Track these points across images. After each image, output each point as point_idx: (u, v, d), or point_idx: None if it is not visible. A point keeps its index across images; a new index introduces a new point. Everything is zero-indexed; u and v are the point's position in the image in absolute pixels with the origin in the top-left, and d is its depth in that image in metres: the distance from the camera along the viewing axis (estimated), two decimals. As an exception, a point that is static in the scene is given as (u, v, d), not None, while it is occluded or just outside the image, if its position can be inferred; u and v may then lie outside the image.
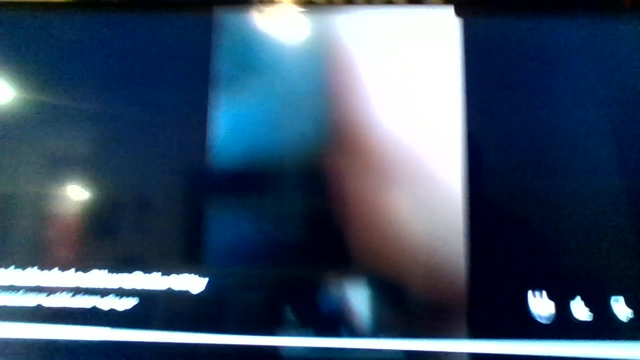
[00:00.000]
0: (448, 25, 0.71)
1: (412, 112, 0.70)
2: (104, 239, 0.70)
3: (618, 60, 0.70)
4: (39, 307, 0.67)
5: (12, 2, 0.77)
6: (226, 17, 0.74)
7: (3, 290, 0.68)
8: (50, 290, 0.68)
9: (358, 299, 0.66)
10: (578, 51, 0.70)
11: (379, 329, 0.65)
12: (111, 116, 0.72)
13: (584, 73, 0.70)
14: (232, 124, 0.71)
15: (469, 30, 0.71)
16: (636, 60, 0.70)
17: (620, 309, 0.63)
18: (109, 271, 0.68)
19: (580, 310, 0.63)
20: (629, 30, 0.71)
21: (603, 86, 0.69)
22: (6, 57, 0.75)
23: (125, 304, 0.67)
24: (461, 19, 0.71)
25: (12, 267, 0.68)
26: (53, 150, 0.73)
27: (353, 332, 0.65)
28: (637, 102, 0.69)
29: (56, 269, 0.68)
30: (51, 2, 0.85)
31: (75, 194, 0.71)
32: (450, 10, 0.72)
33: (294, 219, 0.69)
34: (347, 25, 0.73)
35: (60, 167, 0.72)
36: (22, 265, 0.69)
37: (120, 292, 0.67)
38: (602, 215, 0.66)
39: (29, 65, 0.74)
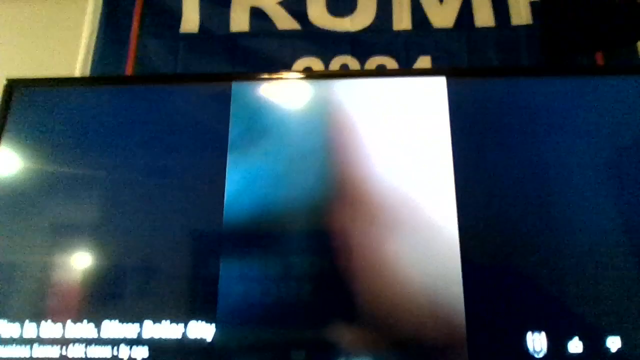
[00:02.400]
0: (437, 91, 0.78)
1: (408, 167, 0.75)
2: (122, 297, 0.73)
3: (598, 115, 0.76)
4: (53, 358, 0.69)
5: (35, 80, 0.84)
6: (239, 89, 0.80)
7: (19, 344, 0.70)
8: (66, 342, 0.70)
9: (363, 344, 0.68)
10: (558, 109, 0.77)
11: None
12: (131, 181, 0.77)
13: (565, 127, 0.76)
14: (244, 184, 0.75)
15: (456, 94, 0.78)
16: (614, 115, 0.76)
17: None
18: (119, 321, 0.70)
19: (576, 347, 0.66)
20: (605, 87, 0.78)
21: (583, 137, 0.75)
22: (32, 131, 0.81)
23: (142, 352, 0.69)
24: (449, 85, 0.78)
25: (27, 321, 0.71)
26: (79, 211, 0.77)
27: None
28: (615, 148, 0.74)
29: (69, 321, 0.70)
30: (70, 78, 0.92)
31: (95, 253, 0.75)
32: (439, 78, 0.79)
33: (301, 275, 0.72)
34: (346, 92, 0.80)
35: (84, 227, 0.76)
36: (37, 319, 0.71)
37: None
38: (599, 258, 0.69)
39: (51, 138, 0.80)
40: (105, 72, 1.00)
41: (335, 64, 1.00)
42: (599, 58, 0.96)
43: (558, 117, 0.77)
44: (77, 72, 0.99)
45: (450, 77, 0.79)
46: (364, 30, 1.03)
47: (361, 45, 1.01)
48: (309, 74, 0.86)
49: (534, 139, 0.76)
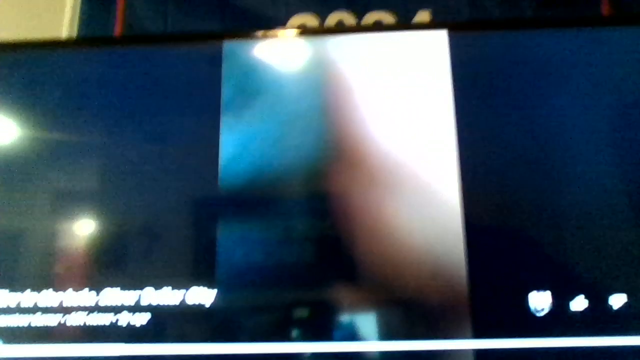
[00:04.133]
0: (438, 46, 0.76)
1: (408, 126, 0.73)
2: (122, 261, 0.72)
3: (606, 69, 0.74)
4: (55, 327, 0.69)
5: (19, 43, 0.80)
6: (232, 48, 0.78)
7: (20, 313, 0.69)
8: (66, 311, 0.69)
9: (366, 305, 0.68)
10: (563, 63, 0.75)
11: (386, 333, 0.67)
12: (125, 145, 0.76)
13: (572, 83, 0.74)
14: (240, 147, 0.74)
15: (459, 49, 0.75)
16: (623, 68, 0.74)
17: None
18: (121, 288, 0.70)
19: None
20: (612, 39, 0.75)
21: (589, 93, 0.73)
22: (19, 97, 0.78)
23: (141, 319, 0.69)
24: (451, 39, 0.75)
25: (28, 290, 0.70)
26: (75, 177, 0.75)
27: (362, 336, 0.67)
28: (622, 106, 0.73)
29: (71, 289, 0.70)
30: (59, 41, 0.89)
31: (92, 220, 0.74)
32: (440, 32, 0.76)
33: (300, 237, 0.71)
34: (343, 48, 0.77)
35: (80, 193, 0.75)
36: (38, 288, 0.70)
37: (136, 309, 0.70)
38: (603, 216, 0.68)
39: (39, 103, 0.78)
40: (93, 34, 0.97)
41: (332, 20, 0.97)
42: (605, 8, 0.93)
43: (564, 72, 0.74)
44: (63, 34, 0.96)
45: (452, 30, 0.76)
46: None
47: (358, 1, 0.98)
48: (304, 30, 0.83)
49: (539, 95, 0.73)
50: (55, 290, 0.70)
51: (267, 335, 0.68)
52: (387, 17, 0.97)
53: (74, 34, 0.97)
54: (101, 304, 0.69)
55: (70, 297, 0.70)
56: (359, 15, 0.98)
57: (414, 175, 0.71)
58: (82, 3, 0.99)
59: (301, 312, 0.69)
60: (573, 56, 0.75)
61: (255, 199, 0.73)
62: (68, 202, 0.75)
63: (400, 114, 0.74)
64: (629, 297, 0.65)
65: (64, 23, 0.98)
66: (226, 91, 0.76)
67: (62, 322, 0.69)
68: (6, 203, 0.74)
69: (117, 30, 0.97)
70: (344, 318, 0.68)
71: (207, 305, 0.68)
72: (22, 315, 0.70)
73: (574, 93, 0.73)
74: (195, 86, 0.77)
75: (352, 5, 0.98)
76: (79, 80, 0.79)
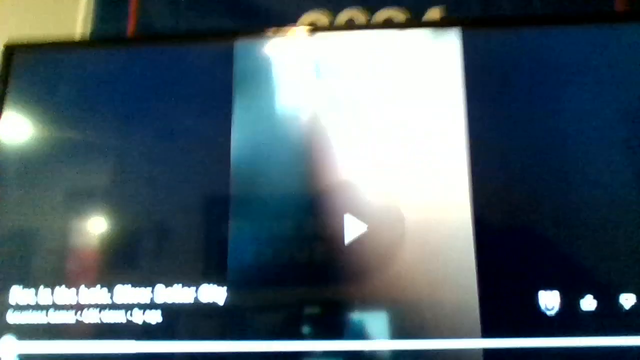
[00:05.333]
0: (451, 43, 0.75)
1: (419, 123, 0.73)
2: (134, 259, 0.73)
3: (618, 65, 0.73)
4: (68, 324, 0.70)
5: (33, 43, 0.82)
6: (243, 47, 0.78)
7: (33, 309, 0.71)
8: (79, 308, 0.71)
9: (375, 304, 0.69)
10: (577, 60, 0.74)
11: (395, 332, 0.67)
12: (137, 144, 0.77)
13: (585, 81, 0.73)
14: (250, 145, 0.74)
15: (472, 46, 0.75)
16: (635, 64, 0.73)
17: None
18: (132, 285, 0.71)
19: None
20: (623, 34, 0.74)
21: (604, 92, 0.72)
22: (33, 95, 0.79)
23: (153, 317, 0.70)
24: (464, 36, 0.75)
25: (41, 286, 0.72)
26: (89, 176, 0.77)
27: (371, 335, 0.67)
28: (636, 103, 0.72)
29: (83, 286, 0.71)
30: (74, 41, 0.91)
31: (105, 218, 0.75)
32: (452, 30, 0.76)
33: (310, 234, 0.72)
34: (355, 45, 0.77)
35: (94, 191, 0.76)
36: (51, 285, 0.72)
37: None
38: (612, 215, 0.68)
39: (53, 102, 0.79)
40: (106, 33, 0.98)
41: (343, 17, 0.97)
42: (619, 3, 0.92)
43: (578, 69, 0.73)
44: (77, 32, 0.97)
45: (465, 28, 0.76)
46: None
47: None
48: (315, 28, 0.83)
49: (552, 92, 0.73)
50: (68, 287, 0.72)
51: (278, 333, 0.68)
52: (399, 15, 0.96)
53: (88, 32, 0.98)
54: (113, 301, 0.71)
55: (83, 294, 0.71)
56: (371, 11, 0.97)
57: (423, 173, 0.71)
58: (96, 2, 1.00)
59: (312, 310, 0.69)
60: (587, 53, 0.74)
61: (265, 197, 0.73)
62: (82, 200, 0.76)
63: (411, 110, 0.74)
64: (638, 298, 0.65)
65: (77, 21, 0.99)
66: (237, 89, 0.76)
67: (75, 319, 0.70)
68: (22, 201, 0.76)
69: (130, 28, 0.98)
70: (354, 317, 0.68)
71: (219, 303, 0.69)
72: (35, 312, 0.71)
73: (588, 91, 0.73)
74: (207, 84, 0.78)
75: (363, 2, 0.98)
76: (92, 79, 0.80)
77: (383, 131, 0.74)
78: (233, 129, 0.75)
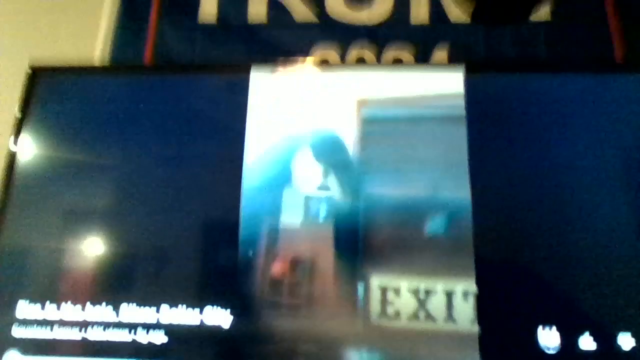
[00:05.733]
0: (454, 84, 0.78)
1: (422, 160, 0.76)
2: (140, 283, 0.74)
3: (616, 111, 0.76)
4: (71, 340, 0.71)
5: (57, 67, 0.85)
6: (257, 77, 0.81)
7: (38, 325, 0.72)
8: (85, 325, 0.72)
9: (374, 339, 0.70)
10: (577, 105, 0.77)
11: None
12: (151, 170, 0.79)
13: (585, 126, 0.76)
14: (262, 171, 0.77)
15: (474, 88, 0.78)
16: (633, 111, 0.76)
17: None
18: (137, 304, 0.72)
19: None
20: (623, 84, 0.77)
21: (603, 137, 0.75)
22: (52, 118, 0.82)
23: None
24: (467, 78, 0.78)
25: (47, 302, 0.73)
26: (101, 198, 0.78)
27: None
28: (633, 149, 0.74)
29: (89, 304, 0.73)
30: (92, 67, 0.93)
31: (114, 239, 0.76)
32: (456, 71, 0.79)
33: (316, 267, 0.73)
34: (363, 82, 0.81)
35: (105, 213, 0.78)
36: (57, 302, 0.73)
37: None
38: (611, 255, 0.69)
39: (72, 126, 0.82)
40: (124, 60, 1.01)
41: (353, 52, 1.00)
42: (618, 51, 0.95)
43: (577, 114, 0.76)
44: (96, 58, 1.00)
45: (468, 70, 0.79)
46: (380, 24, 1.02)
47: (378, 36, 1.01)
48: (327, 66, 0.86)
49: (552, 136, 0.75)
50: (74, 304, 0.73)
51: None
52: (405, 54, 0.99)
53: (106, 56, 1.01)
54: (118, 320, 0.72)
55: (88, 312, 0.72)
56: (379, 47, 1.00)
57: (425, 210, 0.73)
58: (116, 29, 1.03)
59: (308, 346, 0.70)
60: (586, 99, 0.77)
61: (274, 226, 0.75)
62: (93, 219, 0.78)
63: (415, 147, 0.76)
64: (637, 341, 0.66)
65: (96, 47, 1.01)
66: (251, 120, 0.79)
67: (79, 336, 0.71)
68: (34, 218, 0.77)
69: (147, 56, 1.01)
70: (354, 353, 0.69)
71: (223, 327, 0.70)
72: (39, 327, 0.72)
73: (587, 135, 0.75)
74: (221, 115, 0.81)
75: (372, 38, 1.01)
76: (109, 105, 0.83)
77: (388, 168, 0.76)
78: (245, 156, 0.77)
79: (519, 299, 0.69)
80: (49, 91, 0.83)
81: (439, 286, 0.69)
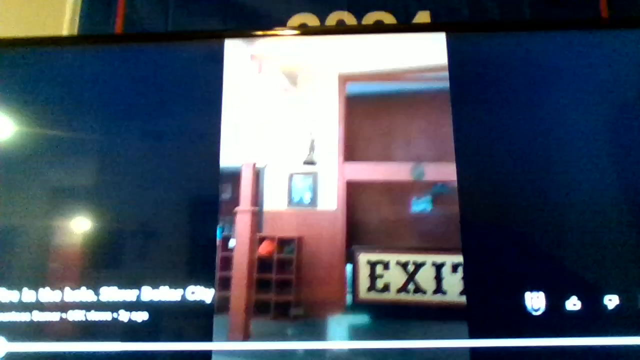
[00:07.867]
0: (437, 47, 0.76)
1: (405, 126, 0.74)
2: (120, 262, 0.73)
3: (603, 71, 0.74)
4: (52, 323, 0.69)
5: (20, 40, 0.80)
6: (231, 46, 0.78)
7: (18, 310, 0.70)
8: (65, 307, 0.70)
9: (364, 305, 0.69)
10: (561, 65, 0.75)
11: (383, 333, 0.68)
12: (125, 143, 0.76)
13: (569, 84, 0.74)
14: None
15: (457, 51, 0.75)
16: (619, 70, 0.74)
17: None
18: (118, 287, 0.70)
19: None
20: (609, 41, 0.75)
21: (587, 94, 0.73)
22: (19, 94, 0.78)
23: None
24: (449, 41, 0.76)
25: (25, 288, 0.70)
26: (74, 175, 0.75)
27: (358, 336, 0.68)
28: (619, 107, 0.73)
29: (68, 288, 0.70)
30: (59, 38, 0.89)
31: (92, 218, 0.74)
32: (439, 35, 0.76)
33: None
34: (343, 48, 0.78)
35: (79, 191, 0.75)
36: (35, 285, 0.70)
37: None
38: (597, 217, 0.69)
39: (39, 101, 0.78)
40: (94, 31, 0.97)
41: (331, 19, 0.98)
42: (603, 8, 0.94)
43: (562, 74, 0.75)
44: (64, 32, 0.96)
45: (450, 32, 0.76)
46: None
47: (359, 3, 0.98)
48: (305, 30, 0.83)
49: (537, 96, 0.74)
50: (52, 288, 0.70)
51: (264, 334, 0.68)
52: (387, 17, 0.97)
53: (75, 30, 0.97)
54: (99, 301, 0.70)
55: (68, 294, 0.70)
56: (359, 15, 0.98)
57: (408, 175, 0.72)
58: (83, 2, 0.99)
59: (297, 309, 0.70)
60: (572, 58, 0.75)
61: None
62: (67, 199, 0.75)
63: (400, 115, 0.75)
64: (620, 299, 0.66)
65: (64, 20, 0.98)
66: (227, 89, 0.76)
67: (59, 319, 0.69)
68: (5, 201, 0.74)
69: (118, 27, 0.98)
70: (342, 317, 0.69)
71: (205, 304, 0.69)
72: (21, 312, 0.70)
73: (573, 94, 0.74)
74: (196, 84, 0.77)
75: (352, 6, 0.98)
76: (79, 78, 0.79)
77: (369, 132, 0.74)
78: (222, 127, 0.74)
79: (507, 263, 0.68)
80: (14, 65, 0.79)
81: (428, 259, 0.69)
